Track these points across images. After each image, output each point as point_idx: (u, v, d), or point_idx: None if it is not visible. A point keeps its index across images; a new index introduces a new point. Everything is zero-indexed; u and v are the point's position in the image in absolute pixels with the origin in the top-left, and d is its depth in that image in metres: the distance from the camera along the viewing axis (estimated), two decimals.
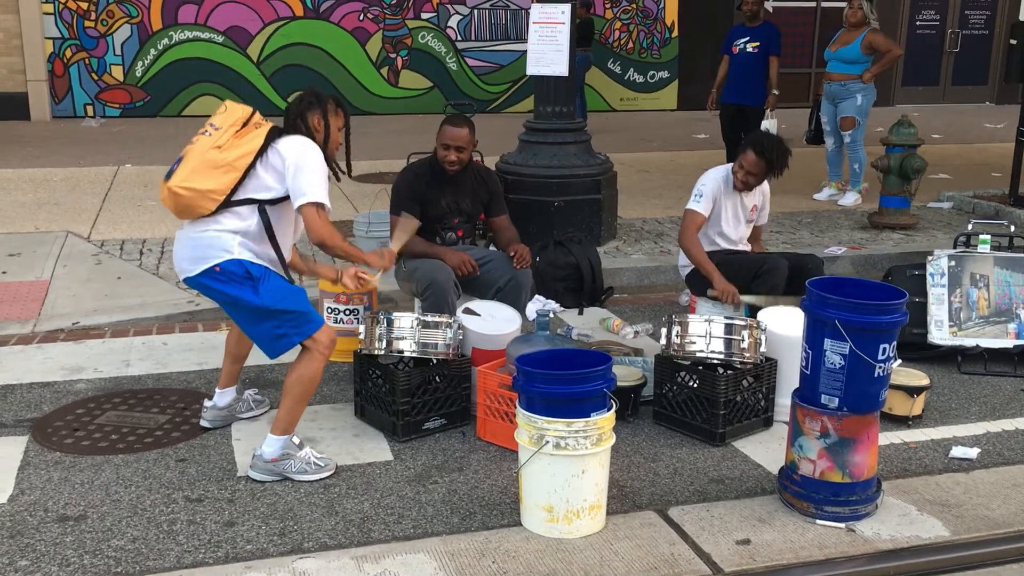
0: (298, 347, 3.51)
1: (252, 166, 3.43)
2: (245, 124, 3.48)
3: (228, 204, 3.43)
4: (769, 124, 8.04)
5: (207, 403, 3.96)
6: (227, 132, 3.44)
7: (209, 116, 3.56)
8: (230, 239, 3.43)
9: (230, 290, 3.43)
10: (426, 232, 4.60)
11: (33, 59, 12.80)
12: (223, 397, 3.95)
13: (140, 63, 13.19)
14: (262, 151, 3.44)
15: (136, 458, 3.67)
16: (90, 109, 13.16)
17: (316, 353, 3.47)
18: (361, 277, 3.71)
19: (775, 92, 8.26)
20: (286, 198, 3.48)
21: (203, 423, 3.93)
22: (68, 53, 13.00)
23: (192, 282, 3.51)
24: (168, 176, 3.45)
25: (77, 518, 3.22)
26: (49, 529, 3.15)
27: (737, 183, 4.93)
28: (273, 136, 3.48)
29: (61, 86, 13.05)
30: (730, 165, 5.04)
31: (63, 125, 12.46)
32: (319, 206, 3.41)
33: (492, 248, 5.01)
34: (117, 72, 13.18)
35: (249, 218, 3.46)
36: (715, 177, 4.98)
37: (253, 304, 3.42)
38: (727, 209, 5.03)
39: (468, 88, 14.33)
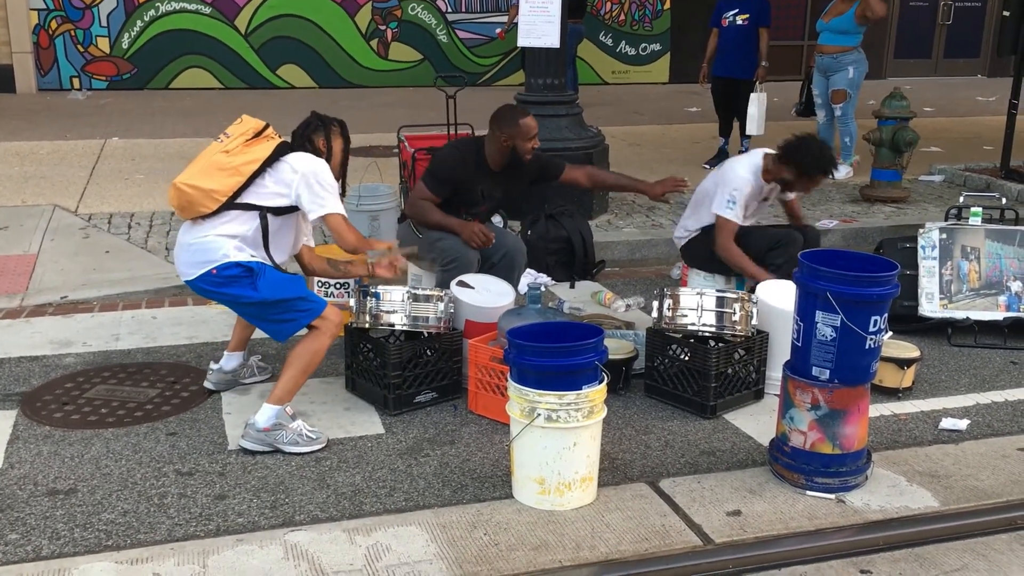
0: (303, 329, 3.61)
1: (259, 173, 3.56)
2: (257, 135, 3.62)
3: (231, 206, 3.54)
4: (757, 97, 8.01)
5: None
6: (237, 140, 3.59)
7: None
8: (226, 243, 3.53)
9: (229, 290, 3.55)
10: (450, 208, 4.53)
11: (18, 31, 12.63)
12: (230, 361, 4.03)
13: (126, 35, 13.03)
14: (270, 160, 3.57)
15: (126, 432, 3.66)
16: (76, 81, 13.02)
17: (324, 330, 3.57)
18: (394, 264, 3.86)
19: (764, 64, 8.22)
20: (290, 209, 3.61)
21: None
22: (53, 25, 12.83)
23: (193, 286, 3.63)
24: None
25: (67, 492, 3.21)
26: (39, 502, 3.14)
27: (793, 189, 4.83)
28: (284, 149, 3.62)
29: (47, 58, 12.90)
30: (758, 160, 4.77)
31: (49, 98, 12.33)
32: (343, 216, 3.61)
33: (491, 222, 4.98)
34: (103, 44, 13.02)
35: (248, 223, 3.57)
36: (746, 179, 4.72)
37: (254, 300, 3.54)
38: (751, 199, 4.83)
39: (459, 61, 14.22)
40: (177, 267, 3.68)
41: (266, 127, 3.65)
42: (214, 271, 3.51)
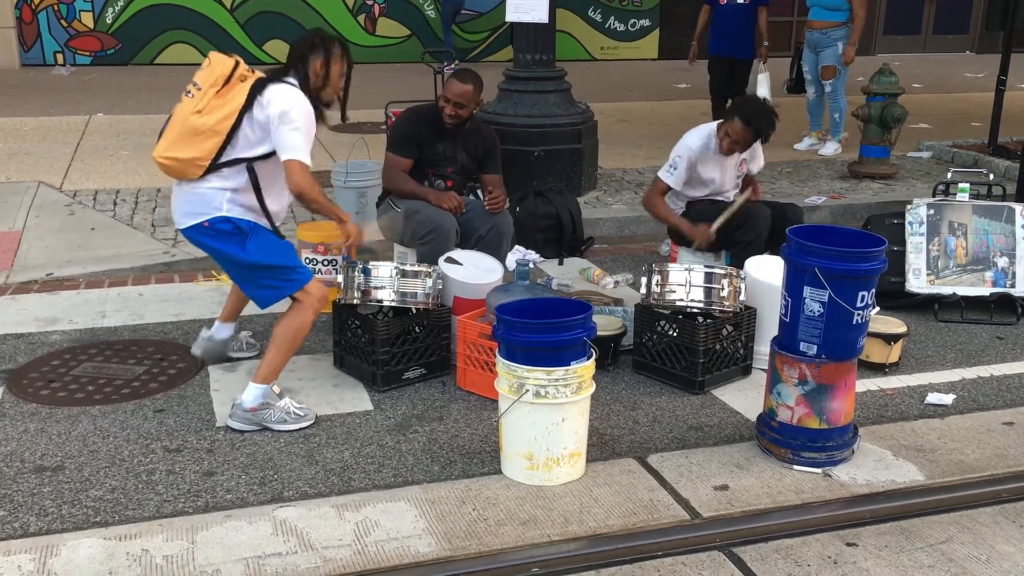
0: (288, 299, 3.55)
1: (237, 126, 3.38)
2: (228, 79, 3.41)
3: (215, 167, 3.41)
4: (762, 77, 8.00)
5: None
6: (208, 93, 3.38)
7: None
8: (219, 196, 3.45)
9: (218, 245, 3.49)
10: (417, 174, 4.58)
11: (0, 5, 12.48)
12: (221, 331, 4.01)
13: (110, 10, 12.89)
14: (246, 107, 3.37)
15: (113, 409, 3.65)
16: (60, 57, 12.89)
17: (306, 305, 3.51)
18: (356, 237, 3.76)
19: (767, 44, 8.18)
20: (274, 154, 3.43)
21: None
22: None
23: (185, 234, 3.57)
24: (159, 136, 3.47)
25: (54, 469, 3.20)
26: (26, 480, 3.13)
27: (722, 148, 4.78)
28: (258, 88, 3.40)
29: (30, 33, 12.76)
30: (712, 126, 4.87)
31: (32, 74, 12.21)
32: (303, 164, 3.39)
33: (473, 198, 4.97)
34: (87, 19, 12.88)
35: (238, 177, 3.46)
36: (691, 146, 4.82)
37: (241, 260, 3.48)
38: (708, 170, 4.88)
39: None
40: (173, 213, 3.57)
41: (237, 66, 3.43)
42: (206, 223, 3.44)
